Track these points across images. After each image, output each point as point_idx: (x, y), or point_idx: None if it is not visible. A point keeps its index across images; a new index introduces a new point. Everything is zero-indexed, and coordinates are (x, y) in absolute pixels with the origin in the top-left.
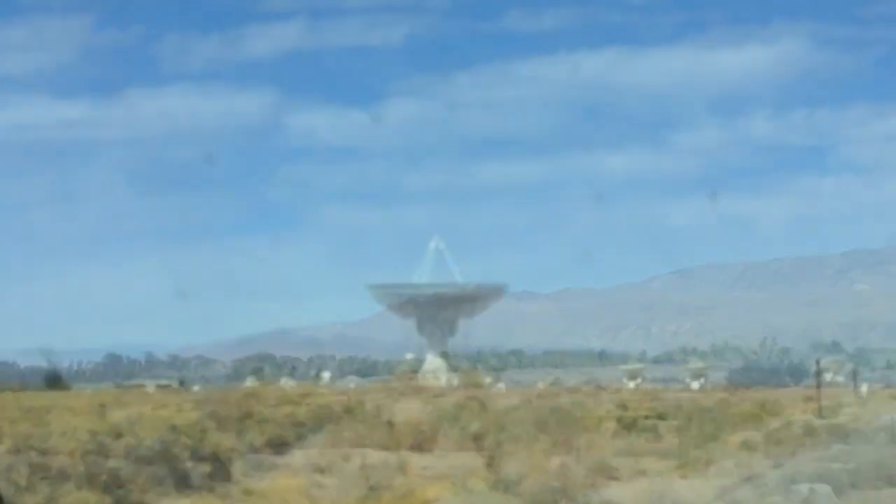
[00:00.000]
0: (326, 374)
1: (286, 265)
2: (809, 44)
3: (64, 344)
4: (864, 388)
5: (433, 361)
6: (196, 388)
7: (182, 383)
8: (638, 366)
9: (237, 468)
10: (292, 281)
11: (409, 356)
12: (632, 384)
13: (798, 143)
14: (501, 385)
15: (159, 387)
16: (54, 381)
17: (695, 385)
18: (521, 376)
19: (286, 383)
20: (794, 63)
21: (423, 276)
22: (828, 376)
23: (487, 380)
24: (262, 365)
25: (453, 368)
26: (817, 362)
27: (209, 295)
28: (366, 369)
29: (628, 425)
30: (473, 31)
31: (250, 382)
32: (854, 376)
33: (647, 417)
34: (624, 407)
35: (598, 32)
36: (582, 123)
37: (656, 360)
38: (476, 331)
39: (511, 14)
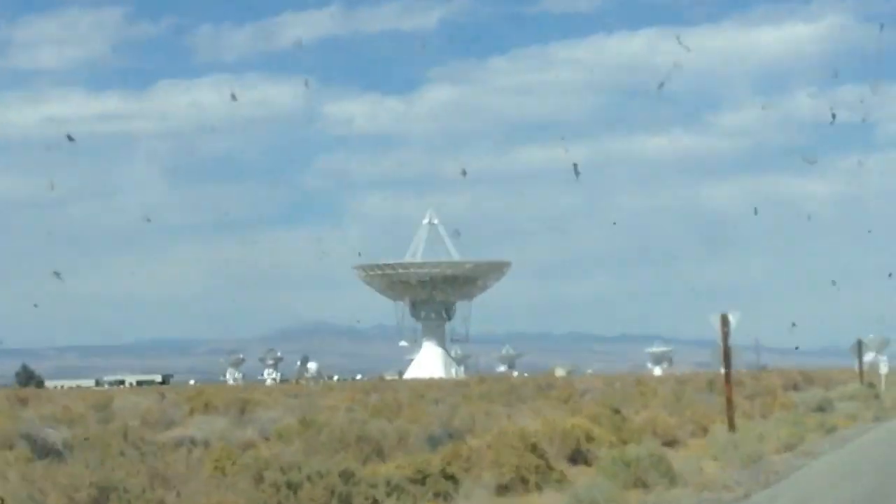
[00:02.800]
0: (313, 366)
1: (325, 255)
2: (853, 19)
3: (103, 338)
4: (883, 367)
5: (430, 350)
6: (192, 382)
7: (164, 379)
8: (663, 349)
9: None
10: (331, 271)
11: (403, 344)
12: (657, 369)
13: (845, 120)
14: (515, 373)
15: (139, 383)
16: (28, 379)
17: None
18: (545, 360)
19: (269, 375)
20: (838, 39)
21: (416, 254)
22: (869, 356)
23: (501, 368)
24: (243, 357)
25: (456, 358)
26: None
27: (248, 287)
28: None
29: None
30: (510, 14)
31: (229, 375)
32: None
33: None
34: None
35: (636, 13)
36: (622, 106)
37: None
38: (488, 314)
39: None
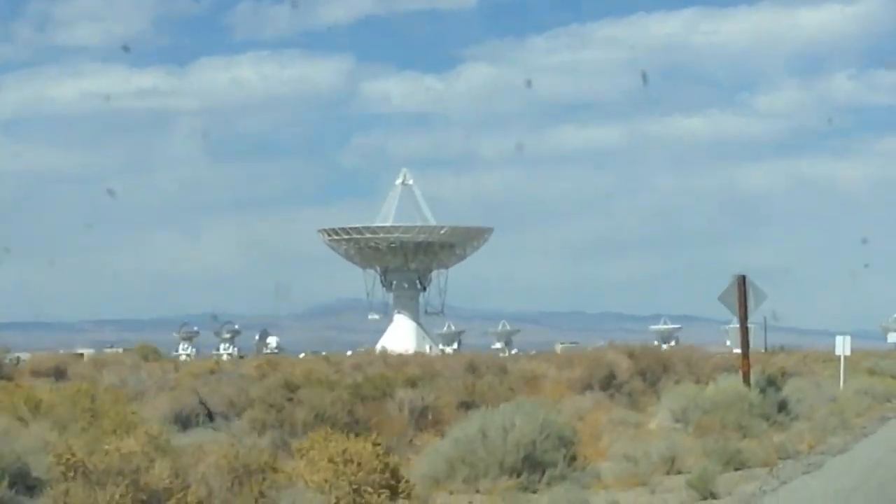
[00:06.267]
0: (273, 340)
1: None
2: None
3: (139, 313)
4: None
5: (402, 324)
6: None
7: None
8: (669, 326)
9: None
10: None
11: (373, 317)
12: (664, 347)
13: (883, 102)
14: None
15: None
16: None
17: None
18: (541, 337)
19: (224, 350)
20: (877, 21)
21: (388, 218)
22: (893, 336)
23: (497, 345)
24: (196, 329)
25: (450, 334)
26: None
27: (284, 264)
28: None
29: None
30: None
31: (183, 348)
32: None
33: None
34: None
35: None
36: (659, 86)
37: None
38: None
39: None
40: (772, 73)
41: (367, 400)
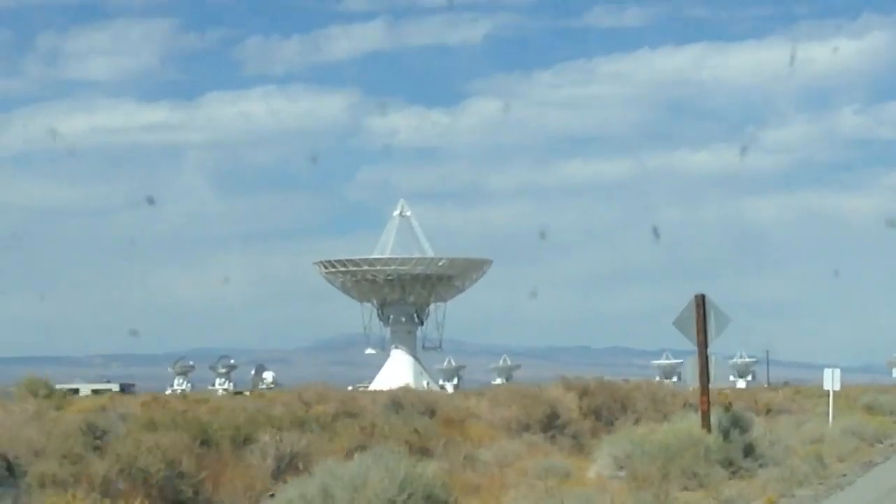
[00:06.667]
0: (269, 375)
1: None
2: None
3: (148, 347)
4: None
5: (399, 359)
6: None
7: (123, 388)
8: (671, 361)
9: None
10: None
11: (370, 352)
12: (666, 383)
13: (890, 137)
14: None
15: (95, 391)
16: None
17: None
18: (547, 373)
19: (220, 384)
20: (884, 56)
21: (385, 249)
22: None
23: (498, 380)
24: (192, 364)
25: (450, 370)
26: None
27: (292, 297)
28: None
29: None
30: (555, 28)
31: (178, 383)
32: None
33: None
34: None
35: (682, 28)
36: (666, 121)
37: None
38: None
39: (594, 10)
40: (779, 107)
41: (224, 444)
